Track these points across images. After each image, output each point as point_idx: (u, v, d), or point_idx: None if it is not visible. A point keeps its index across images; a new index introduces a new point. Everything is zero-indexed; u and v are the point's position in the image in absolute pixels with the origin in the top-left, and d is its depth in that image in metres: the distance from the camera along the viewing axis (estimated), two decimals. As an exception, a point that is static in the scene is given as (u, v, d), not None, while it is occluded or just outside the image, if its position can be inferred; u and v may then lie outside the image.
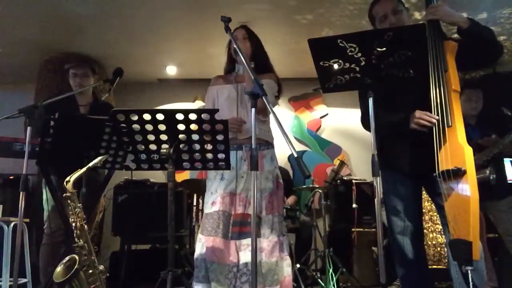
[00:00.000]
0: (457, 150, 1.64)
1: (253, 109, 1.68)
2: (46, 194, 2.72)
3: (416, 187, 2.00)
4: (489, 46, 1.84)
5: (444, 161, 1.66)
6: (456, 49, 1.81)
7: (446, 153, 1.67)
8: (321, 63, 1.73)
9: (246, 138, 2.24)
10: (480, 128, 3.10)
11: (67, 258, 1.79)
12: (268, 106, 1.69)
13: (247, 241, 2.12)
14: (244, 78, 2.31)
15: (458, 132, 1.67)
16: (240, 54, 1.89)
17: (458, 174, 1.60)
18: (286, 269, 2.19)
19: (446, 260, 3.70)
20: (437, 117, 1.74)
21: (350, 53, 1.67)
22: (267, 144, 2.33)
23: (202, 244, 2.15)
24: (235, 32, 2.36)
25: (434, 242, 4.25)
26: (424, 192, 2.09)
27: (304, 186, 4.29)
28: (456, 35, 1.94)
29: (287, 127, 5.31)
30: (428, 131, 1.77)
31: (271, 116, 2.13)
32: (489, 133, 2.95)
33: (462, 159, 1.60)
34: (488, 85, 3.92)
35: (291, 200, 4.07)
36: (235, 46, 1.95)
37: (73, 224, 1.83)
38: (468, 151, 1.62)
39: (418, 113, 1.79)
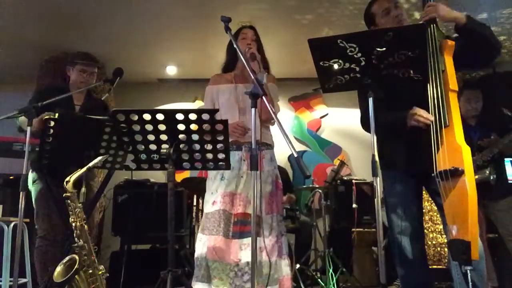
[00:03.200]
0: (454, 150, 1.64)
1: (253, 109, 1.67)
2: (35, 195, 2.61)
3: (415, 187, 2.00)
4: (487, 43, 1.84)
5: (442, 161, 1.66)
6: (453, 48, 1.81)
7: (444, 153, 1.66)
8: (321, 63, 1.73)
9: (248, 141, 2.24)
10: (480, 128, 3.10)
11: (67, 258, 1.79)
12: (269, 108, 1.69)
13: (248, 240, 2.13)
14: (245, 78, 2.31)
15: (456, 132, 1.67)
16: (239, 54, 1.90)
17: (456, 174, 1.59)
18: (285, 268, 2.20)
19: (446, 260, 3.71)
20: (432, 118, 1.74)
21: (350, 53, 1.67)
22: (267, 145, 2.34)
23: (203, 243, 2.15)
24: (244, 31, 2.37)
25: (434, 242, 4.25)
26: (424, 192, 2.09)
27: (304, 186, 4.29)
28: (454, 35, 1.94)
29: (287, 127, 5.32)
30: (426, 131, 1.77)
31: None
32: (489, 133, 2.95)
33: (460, 158, 1.60)
34: (488, 85, 3.93)
35: (287, 198, 4.02)
36: (235, 46, 1.95)
37: (73, 224, 1.84)
38: (466, 150, 1.61)
39: (417, 110, 1.79)
